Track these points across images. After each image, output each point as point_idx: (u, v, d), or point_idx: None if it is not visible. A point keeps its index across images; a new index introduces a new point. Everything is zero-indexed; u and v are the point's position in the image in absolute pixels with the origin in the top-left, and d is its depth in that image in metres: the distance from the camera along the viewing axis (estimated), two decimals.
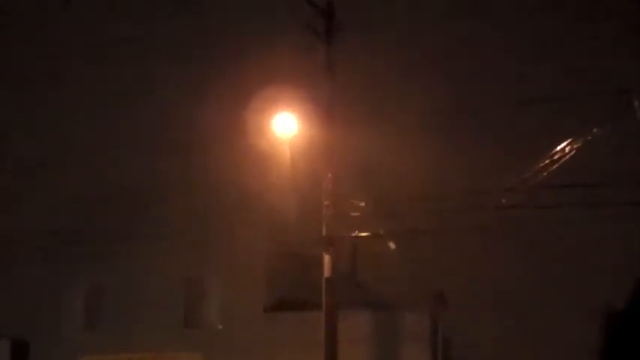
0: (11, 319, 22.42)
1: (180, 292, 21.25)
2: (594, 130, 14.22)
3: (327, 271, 15.55)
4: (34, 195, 22.78)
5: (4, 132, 24.20)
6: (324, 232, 15.58)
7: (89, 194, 22.08)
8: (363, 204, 15.75)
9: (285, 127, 16.49)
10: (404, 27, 20.01)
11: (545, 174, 14.53)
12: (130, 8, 24.09)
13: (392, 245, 16.50)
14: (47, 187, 22.54)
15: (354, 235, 15.98)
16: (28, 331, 22.33)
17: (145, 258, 21.13)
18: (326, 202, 15.60)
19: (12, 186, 22.77)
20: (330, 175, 15.63)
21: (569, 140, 14.45)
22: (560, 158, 14.57)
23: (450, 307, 20.10)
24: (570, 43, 23.69)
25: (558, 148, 14.57)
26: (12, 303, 22.52)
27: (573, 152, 14.45)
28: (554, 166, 14.56)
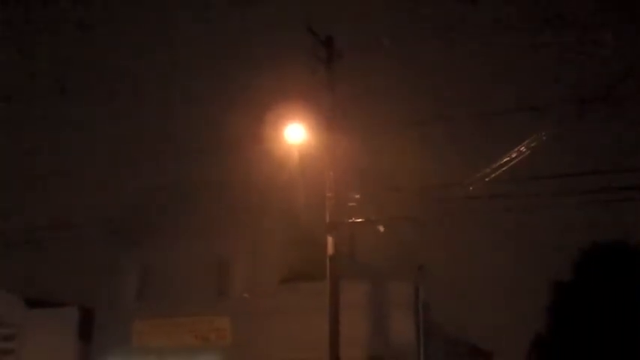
0: (79, 291, 23.80)
1: (213, 268, 21.79)
2: (543, 134, 14.83)
3: (330, 250, 16.14)
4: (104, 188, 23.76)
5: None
6: (327, 219, 16.29)
7: (141, 190, 23.19)
8: (358, 196, 16.33)
9: (295, 135, 16.96)
10: (392, 52, 19.82)
11: (504, 169, 15.10)
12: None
13: (381, 228, 16.71)
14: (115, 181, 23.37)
15: (351, 220, 16.41)
16: (92, 301, 23.37)
17: (185, 242, 22.02)
18: (329, 195, 16.31)
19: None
20: (332, 173, 16.40)
21: (525, 142, 14.94)
22: (516, 157, 15.00)
23: (430, 278, 20.36)
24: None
25: (515, 149, 15.03)
26: (79, 278, 23.94)
27: (528, 152, 14.96)
28: (510, 164, 15.08)
